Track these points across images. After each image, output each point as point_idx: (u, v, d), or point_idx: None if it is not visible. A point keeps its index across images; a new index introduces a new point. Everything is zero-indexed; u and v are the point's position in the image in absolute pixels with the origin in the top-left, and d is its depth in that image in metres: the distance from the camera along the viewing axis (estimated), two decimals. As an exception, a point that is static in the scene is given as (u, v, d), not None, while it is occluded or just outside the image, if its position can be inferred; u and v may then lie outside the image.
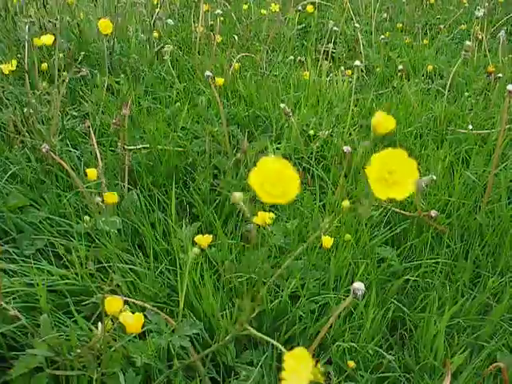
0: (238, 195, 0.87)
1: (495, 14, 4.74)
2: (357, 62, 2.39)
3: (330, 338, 1.48)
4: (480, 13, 3.28)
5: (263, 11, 3.83)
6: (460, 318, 1.56)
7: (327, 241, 1.51)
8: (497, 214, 1.93)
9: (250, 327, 1.00)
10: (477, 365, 1.42)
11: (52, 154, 1.71)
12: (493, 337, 1.54)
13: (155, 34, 3.18)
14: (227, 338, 1.08)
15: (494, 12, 4.81)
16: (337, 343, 1.43)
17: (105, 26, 2.39)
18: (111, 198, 1.59)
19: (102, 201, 1.60)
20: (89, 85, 2.65)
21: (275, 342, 0.91)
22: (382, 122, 0.91)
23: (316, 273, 1.61)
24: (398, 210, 1.89)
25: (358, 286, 1.08)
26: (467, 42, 2.68)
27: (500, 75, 2.86)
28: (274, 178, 0.80)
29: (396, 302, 1.58)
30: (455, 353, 1.45)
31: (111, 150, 2.10)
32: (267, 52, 3.34)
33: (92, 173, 1.69)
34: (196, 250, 1.36)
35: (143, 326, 1.30)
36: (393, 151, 0.84)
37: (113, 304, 1.17)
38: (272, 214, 1.56)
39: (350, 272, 1.63)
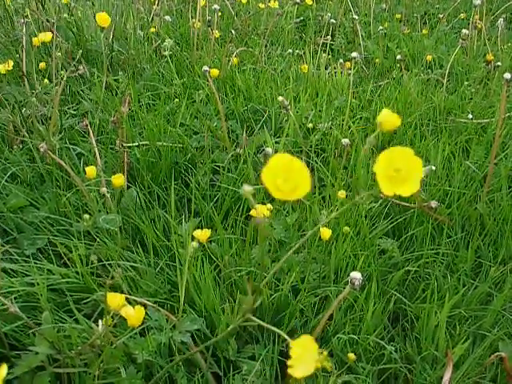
0: (248, 189, 0.86)
1: (495, 2, 4.73)
2: (354, 54, 2.39)
3: (332, 331, 1.48)
4: (478, 1, 3.26)
5: (261, 5, 3.83)
6: (461, 308, 1.56)
7: (325, 233, 1.51)
8: (497, 203, 1.93)
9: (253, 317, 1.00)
10: (478, 354, 1.43)
11: (50, 153, 1.71)
12: (494, 326, 1.54)
13: (153, 30, 3.17)
14: (229, 328, 1.08)
15: (493, 0, 4.79)
16: (337, 335, 1.43)
17: (102, 19, 2.37)
18: (118, 180, 1.59)
19: (108, 191, 1.61)
20: (87, 83, 2.65)
21: (279, 331, 0.91)
22: (389, 118, 0.91)
23: (316, 266, 1.61)
24: (398, 201, 1.89)
25: (355, 275, 1.08)
26: (464, 30, 2.68)
27: (499, 64, 2.84)
28: (286, 175, 0.82)
29: (397, 294, 1.58)
30: (457, 343, 1.45)
31: (110, 148, 2.10)
32: (266, 46, 3.33)
33: (91, 171, 1.69)
34: (194, 244, 1.37)
35: (144, 323, 1.32)
36: (399, 149, 0.86)
37: (115, 299, 1.18)
38: (270, 206, 1.57)
39: (350, 264, 1.63)
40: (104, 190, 1.62)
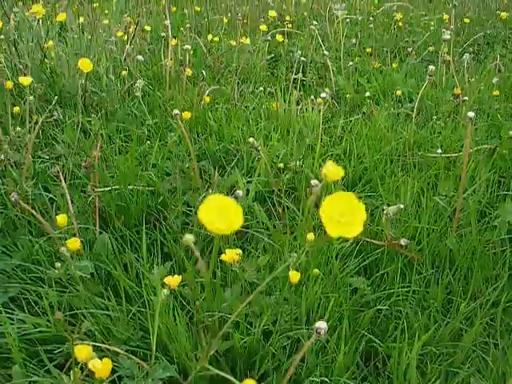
0: (189, 237, 0.89)
1: (462, 35, 4.83)
2: (323, 95, 2.43)
3: (304, 373, 1.48)
4: (447, 36, 3.35)
5: (233, 42, 3.88)
6: (433, 345, 1.57)
7: (294, 276, 1.51)
8: (467, 238, 1.96)
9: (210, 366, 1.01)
10: (450, 392, 1.44)
11: (21, 202, 1.71)
12: (466, 362, 1.55)
13: (124, 73, 3.20)
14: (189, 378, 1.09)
15: (461, 32, 4.90)
16: (310, 378, 1.44)
17: (85, 64, 2.42)
18: (73, 244, 1.57)
19: (67, 250, 1.58)
20: (60, 125, 2.66)
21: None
22: (333, 170, 0.96)
23: (288, 308, 1.62)
24: (368, 239, 1.91)
25: (321, 325, 1.10)
26: (430, 67, 2.73)
27: (466, 98, 2.90)
28: (223, 213, 0.87)
29: (368, 334, 1.59)
30: (429, 381, 1.46)
31: (83, 192, 2.10)
32: (238, 83, 3.37)
33: (62, 219, 1.69)
34: (165, 291, 1.37)
35: (115, 371, 1.32)
36: (342, 194, 0.91)
37: (83, 351, 1.18)
38: (239, 250, 1.58)
39: (322, 305, 1.64)
40: (63, 249, 1.58)
